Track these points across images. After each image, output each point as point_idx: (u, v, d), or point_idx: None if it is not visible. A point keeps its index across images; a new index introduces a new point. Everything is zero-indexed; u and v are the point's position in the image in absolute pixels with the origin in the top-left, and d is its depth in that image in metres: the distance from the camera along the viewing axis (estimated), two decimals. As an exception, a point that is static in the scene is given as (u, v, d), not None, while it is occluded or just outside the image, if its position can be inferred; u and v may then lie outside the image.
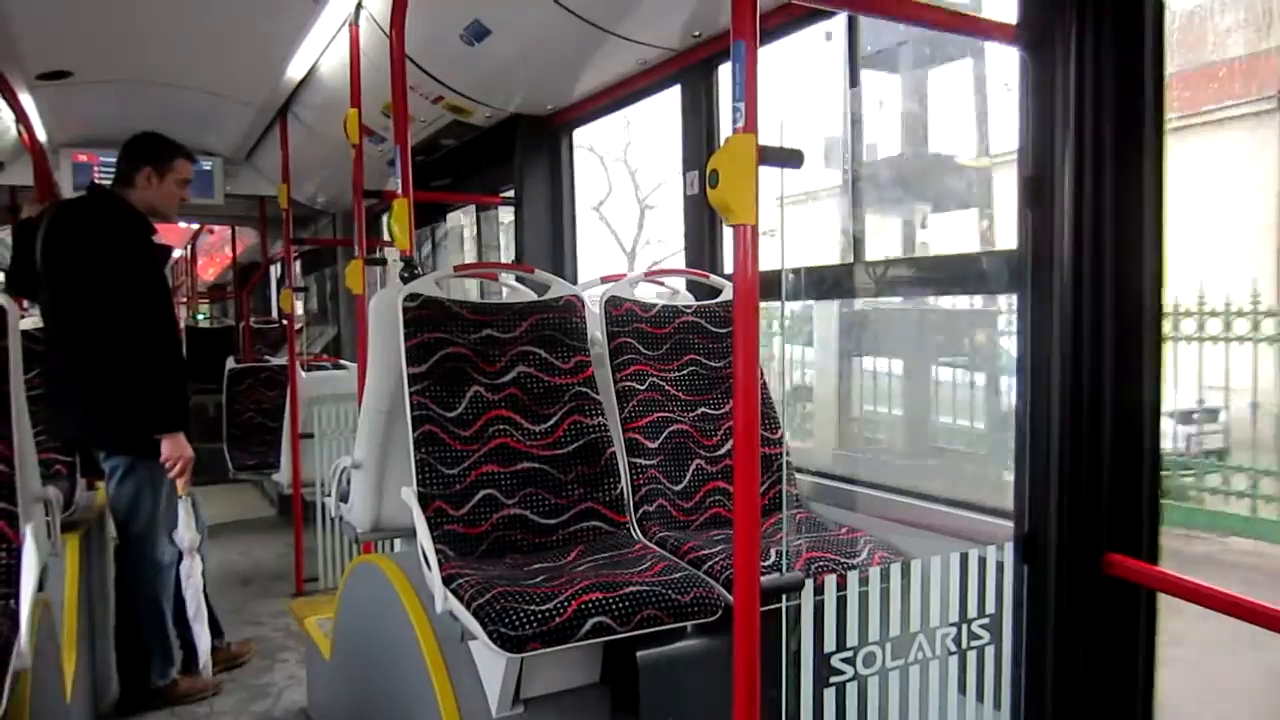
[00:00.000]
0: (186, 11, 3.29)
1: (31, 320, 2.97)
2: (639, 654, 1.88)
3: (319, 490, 3.95)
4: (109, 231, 2.85)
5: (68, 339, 2.86)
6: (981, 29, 1.64)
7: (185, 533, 2.85)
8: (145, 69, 3.87)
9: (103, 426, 2.88)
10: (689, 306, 2.57)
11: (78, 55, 3.64)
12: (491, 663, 1.89)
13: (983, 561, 1.57)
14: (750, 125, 1.31)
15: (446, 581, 1.89)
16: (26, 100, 3.91)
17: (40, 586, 1.83)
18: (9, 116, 4.04)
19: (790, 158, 1.36)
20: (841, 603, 1.44)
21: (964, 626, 1.55)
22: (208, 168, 5.43)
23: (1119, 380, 1.54)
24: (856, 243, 2.35)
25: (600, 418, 2.30)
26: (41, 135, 4.32)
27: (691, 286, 2.78)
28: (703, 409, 2.46)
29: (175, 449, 2.85)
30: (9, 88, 3.52)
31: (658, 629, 1.85)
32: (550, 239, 3.98)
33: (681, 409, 2.44)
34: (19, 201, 5.21)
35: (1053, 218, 1.55)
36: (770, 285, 1.36)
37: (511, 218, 4.29)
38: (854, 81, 2.41)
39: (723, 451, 2.43)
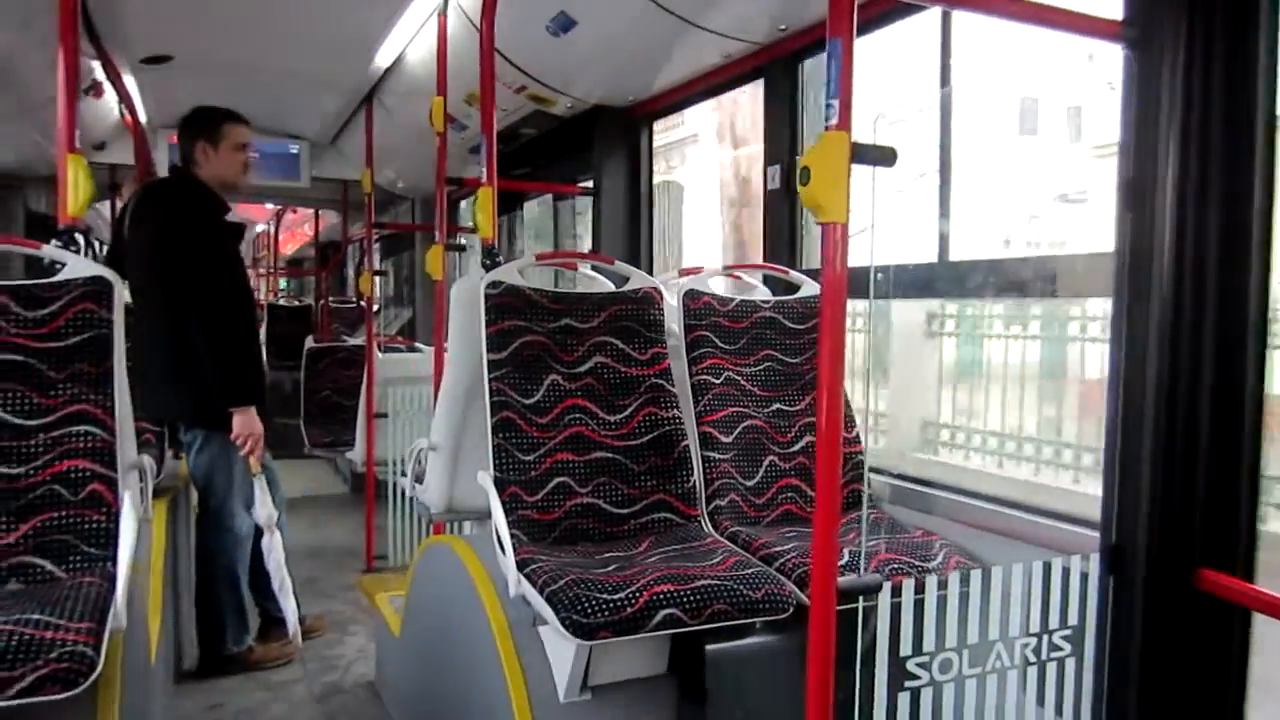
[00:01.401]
0: (283, -1, 3.38)
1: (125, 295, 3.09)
2: (708, 648, 1.88)
3: (391, 469, 4.04)
4: (180, 210, 2.93)
5: (147, 315, 2.96)
6: (1085, 26, 1.59)
7: (261, 510, 2.91)
8: (241, 54, 3.99)
9: (178, 400, 2.97)
10: (767, 302, 2.56)
11: (179, 40, 3.76)
12: (561, 648, 1.92)
13: (1066, 572, 1.54)
14: (844, 123, 1.30)
15: (520, 566, 1.92)
16: (130, 82, 4.06)
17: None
18: (113, 98, 4.20)
19: (883, 156, 1.34)
20: (919, 606, 1.43)
21: (1045, 637, 1.52)
22: (294, 151, 5.58)
23: (1218, 390, 1.48)
24: (943, 242, 2.31)
25: (675, 410, 2.30)
26: (142, 117, 4.48)
27: (769, 281, 2.76)
28: (777, 405, 2.45)
29: (245, 425, 2.91)
30: (115, 70, 3.66)
31: (728, 624, 1.85)
32: (627, 230, 4.00)
33: (756, 404, 2.43)
34: (118, 179, 5.42)
35: (1153, 221, 1.50)
36: (856, 283, 1.35)
37: (587, 208, 4.33)
38: (945, 80, 2.36)
39: (796, 448, 2.41)
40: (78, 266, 1.94)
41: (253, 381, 3.03)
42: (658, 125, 3.85)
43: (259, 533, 2.97)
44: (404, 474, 2.65)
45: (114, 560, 1.77)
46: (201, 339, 2.85)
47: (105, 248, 3.34)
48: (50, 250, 1.96)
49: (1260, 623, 1.47)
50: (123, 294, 1.97)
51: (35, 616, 1.49)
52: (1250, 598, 1.44)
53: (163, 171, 4.73)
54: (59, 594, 1.62)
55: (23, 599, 1.61)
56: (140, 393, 2.94)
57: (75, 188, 1.98)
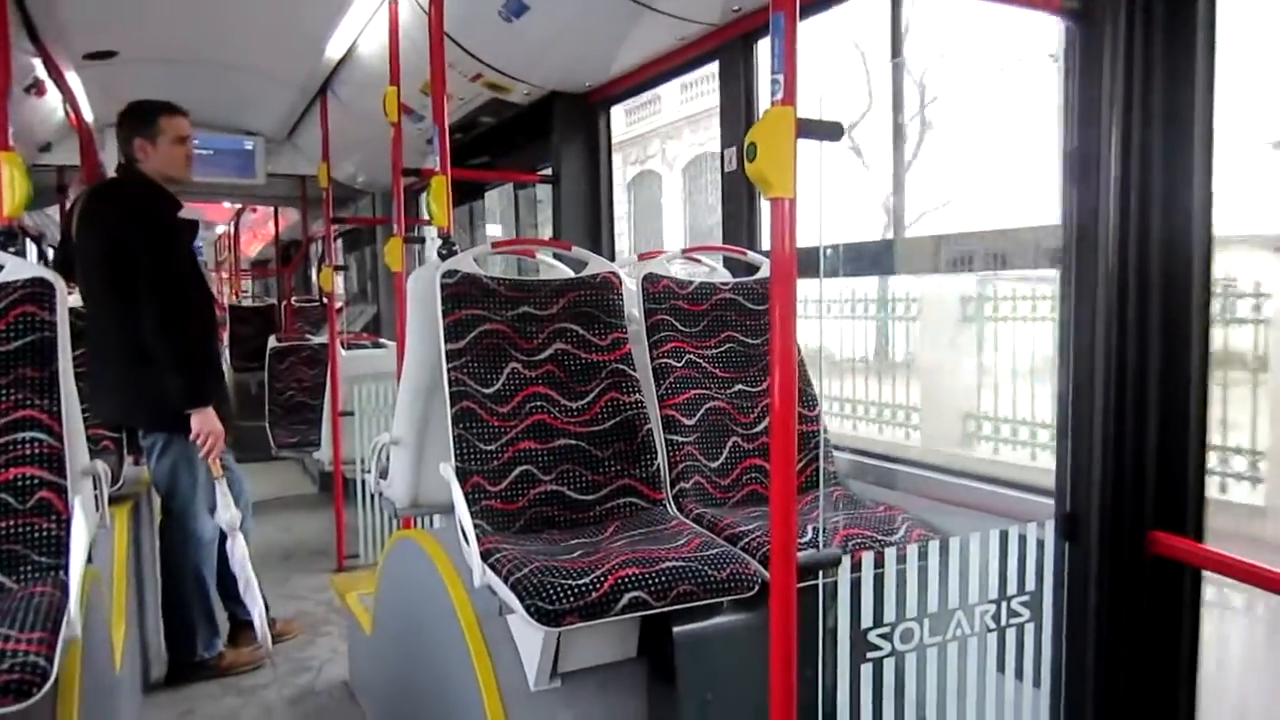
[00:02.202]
0: (228, -11, 3.32)
1: (76, 299, 3.02)
2: (675, 629, 1.89)
3: (359, 468, 4.01)
4: (128, 210, 2.88)
5: (99, 318, 2.91)
6: (1026, 0, 1.60)
7: (224, 512, 2.88)
8: (189, 48, 3.92)
9: (135, 404, 2.92)
10: (726, 283, 2.56)
11: (123, 34, 3.69)
12: (529, 637, 1.91)
13: (1023, 539, 1.56)
14: (789, 98, 1.30)
15: (484, 556, 1.91)
16: (73, 80, 3.97)
17: (89, 559, 1.87)
18: (56, 97, 4.11)
19: (829, 131, 1.34)
20: (879, 579, 1.44)
21: (1003, 604, 1.54)
22: (249, 147, 5.50)
23: (1165, 358, 1.51)
24: (896, 218, 2.32)
25: (637, 395, 2.30)
26: (88, 115, 4.39)
27: (729, 263, 2.76)
28: (740, 386, 2.46)
29: (203, 424, 2.87)
30: (56, 67, 3.59)
31: (694, 604, 1.86)
32: (587, 216, 3.98)
33: (718, 386, 2.43)
34: (65, 181, 5.31)
35: (1098, 193, 1.52)
36: (807, 262, 1.35)
37: (548, 197, 4.30)
38: (896, 52, 2.37)
39: (760, 429, 2.42)
40: (17, 268, 1.89)
41: (211, 381, 2.99)
42: (635, 114, 3.79)
43: (224, 536, 2.94)
44: (369, 471, 2.63)
45: (66, 568, 1.74)
46: (156, 340, 2.80)
47: (52, 252, 3.27)
48: None
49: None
50: (67, 296, 1.92)
51: None
52: (1201, 558, 1.47)
53: (111, 172, 4.65)
54: (10, 605, 1.59)
55: None
56: (95, 398, 2.90)
57: (11, 187, 1.93)
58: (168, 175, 3.03)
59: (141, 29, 3.66)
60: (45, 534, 1.76)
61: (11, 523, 1.75)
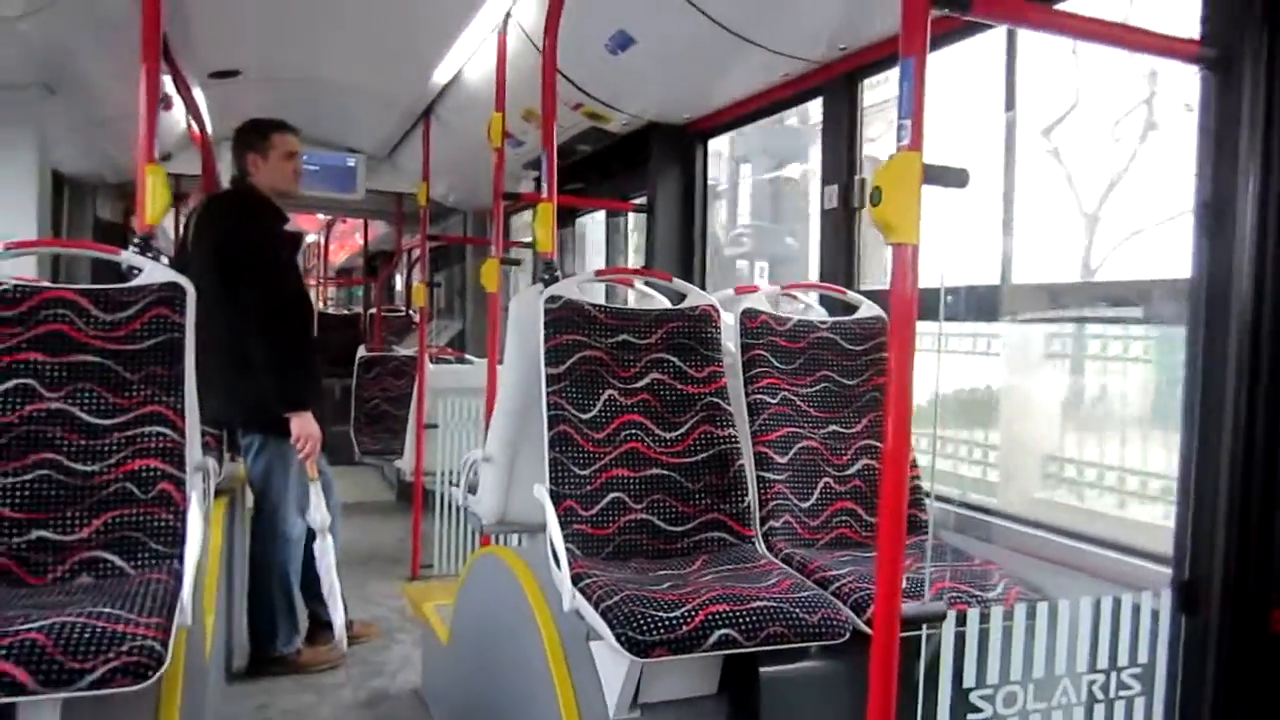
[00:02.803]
0: (348, 15, 3.45)
1: None
2: (762, 670, 1.87)
3: (439, 479, 4.07)
4: (239, 221, 3.01)
5: (207, 321, 3.01)
6: (1160, 46, 1.57)
7: (316, 513, 2.94)
8: (306, 69, 4.08)
9: (236, 405, 3.02)
10: (824, 322, 2.54)
11: (248, 55, 3.87)
12: (613, 665, 1.90)
13: (1136, 608, 1.50)
14: (916, 143, 1.29)
15: (575, 580, 1.91)
16: (198, 96, 4.17)
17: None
18: (181, 111, 4.32)
19: (955, 178, 1.33)
20: (983, 636, 1.40)
21: (1113, 674, 1.48)
22: (351, 164, 5.69)
23: (1299, 422, 1.44)
24: (1006, 264, 2.27)
25: (731, 429, 2.29)
26: (209, 129, 4.60)
27: (825, 302, 2.74)
28: (834, 426, 2.43)
29: (302, 428, 2.96)
30: (185, 84, 3.77)
31: (783, 647, 1.83)
32: (680, 247, 4.00)
33: (812, 425, 2.41)
34: (183, 190, 5.56)
35: (1232, 247, 1.47)
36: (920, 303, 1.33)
37: (636, 226, 4.34)
38: (1010, 104, 2.33)
39: (852, 471, 2.39)
40: (154, 272, 1.99)
41: (308, 386, 3.08)
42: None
43: (311, 536, 3.01)
44: (454, 484, 2.67)
45: (181, 558, 1.80)
46: (259, 346, 2.91)
47: (166, 259, 3.42)
48: (129, 256, 2.01)
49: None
50: (194, 301, 2.00)
51: (107, 610, 1.52)
52: (1332, 639, 1.39)
53: (226, 183, 4.86)
54: (129, 589, 1.65)
55: (94, 593, 1.65)
56: (201, 397, 3.01)
57: (154, 197, 2.03)
58: (276, 188, 3.17)
59: (265, 50, 3.83)
60: (164, 524, 1.82)
61: (134, 511, 1.82)
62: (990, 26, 2.18)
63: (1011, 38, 2.41)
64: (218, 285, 2.93)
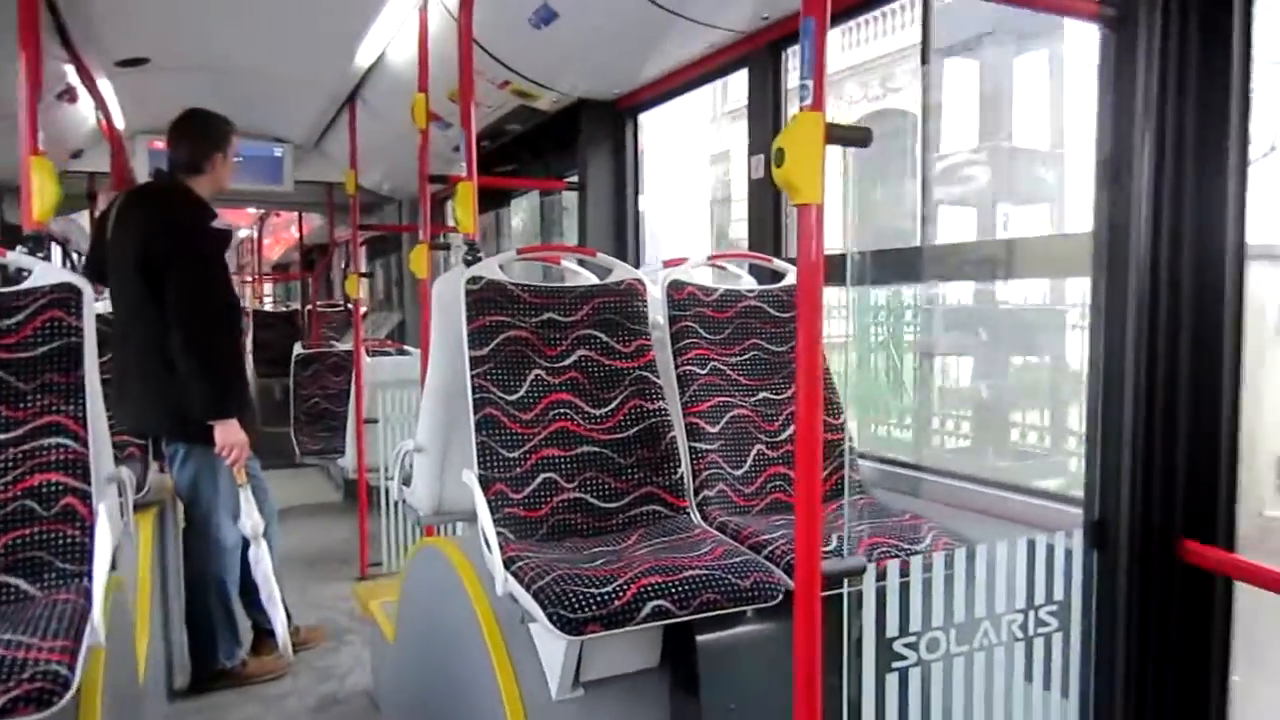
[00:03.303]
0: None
1: (105, 304, 3.04)
2: (699, 638, 1.88)
3: (383, 475, 4.01)
4: (168, 217, 2.90)
5: (127, 324, 2.92)
6: (1063, 5, 1.59)
7: (247, 520, 2.87)
8: (221, 57, 3.95)
9: (158, 412, 2.93)
10: (751, 291, 2.56)
11: (156, 42, 3.72)
12: (552, 645, 1.91)
13: (1051, 548, 1.54)
14: (818, 103, 1.29)
15: (507, 564, 1.91)
16: (105, 87, 4.02)
17: (113, 566, 1.86)
18: (88, 104, 4.16)
19: (857, 136, 1.34)
20: (905, 588, 1.43)
21: (1031, 613, 1.52)
22: (278, 155, 5.56)
23: (1196, 366, 1.49)
24: (924, 225, 2.31)
25: (661, 402, 2.30)
26: (119, 123, 4.44)
27: (754, 271, 2.75)
28: (764, 394, 2.45)
29: (227, 436, 2.86)
30: (88, 74, 3.63)
31: (717, 613, 1.85)
32: (613, 224, 3.99)
33: (743, 393, 2.42)
34: (96, 187, 5.38)
35: (1130, 199, 1.51)
36: (833, 269, 1.34)
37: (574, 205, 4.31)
38: (925, 59, 2.36)
39: (784, 436, 2.41)
40: (45, 274, 1.88)
41: (234, 393, 2.98)
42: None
43: (247, 544, 2.94)
44: (392, 478, 2.63)
45: (90, 576, 1.72)
46: (185, 350, 2.80)
47: (84, 258, 3.30)
48: (14, 257, 1.90)
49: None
50: (93, 302, 1.91)
51: (8, 637, 1.45)
52: (1232, 567, 1.45)
53: (142, 178, 4.71)
54: (34, 613, 1.58)
55: None
56: (120, 405, 2.91)
57: (40, 192, 1.93)
58: (222, 189, 3.10)
59: (173, 36, 3.69)
60: (69, 541, 1.74)
61: (36, 529, 1.73)
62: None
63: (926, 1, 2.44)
64: (141, 286, 2.84)
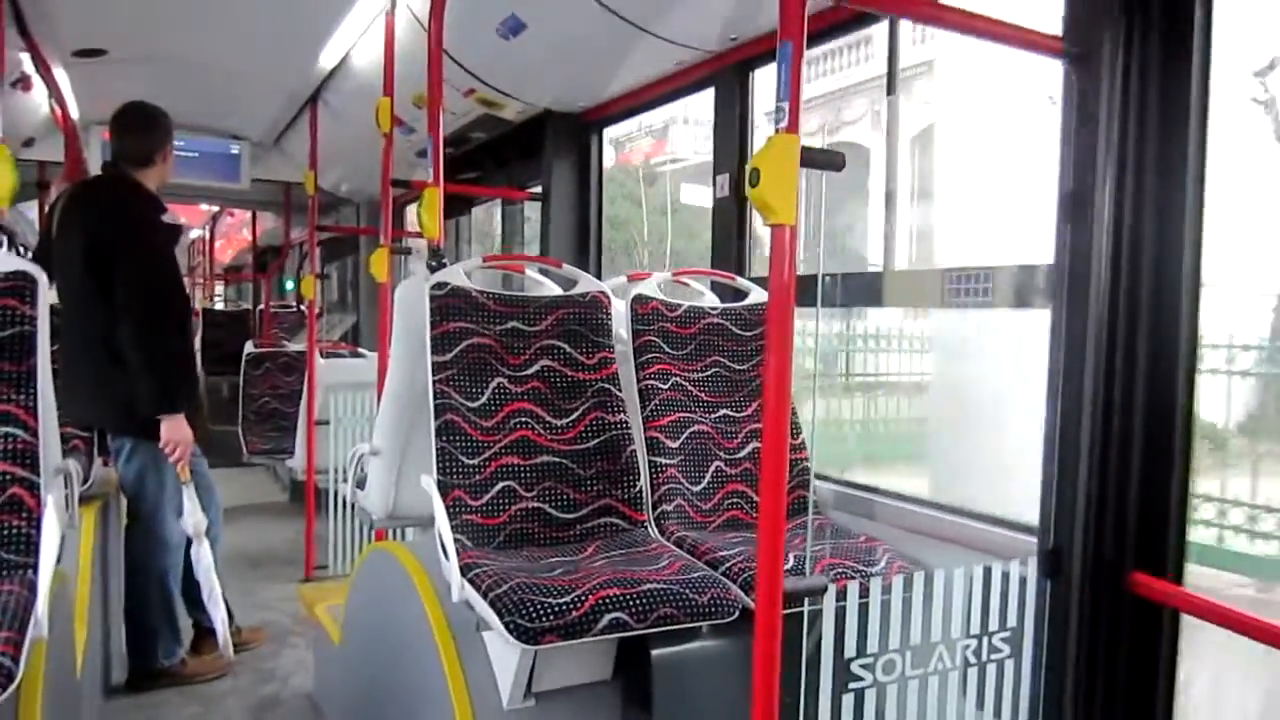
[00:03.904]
0: (224, -7, 3.31)
1: (53, 295, 2.98)
2: (654, 652, 1.88)
3: (332, 477, 3.96)
4: (118, 211, 2.85)
5: (76, 317, 2.86)
6: (1027, 40, 1.63)
7: (190, 518, 2.84)
8: (180, 50, 3.89)
9: (106, 407, 2.88)
10: (715, 308, 2.57)
11: (114, 33, 3.65)
12: (505, 654, 1.89)
13: (1006, 576, 1.57)
14: (793, 126, 1.31)
15: (464, 571, 1.89)
16: (61, 76, 3.93)
17: (58, 559, 1.83)
18: (42, 92, 4.06)
19: (831, 161, 1.36)
20: (863, 610, 1.44)
21: (984, 639, 1.55)
22: (235, 152, 5.46)
23: (1151, 399, 1.53)
24: (887, 250, 2.34)
25: (622, 415, 2.29)
26: (74, 112, 4.34)
27: (717, 288, 2.77)
28: (724, 410, 2.46)
29: (173, 432, 2.83)
30: (44, 63, 3.55)
31: (673, 628, 1.85)
32: (576, 235, 3.99)
33: (703, 410, 2.43)
34: (47, 177, 5.24)
35: (1091, 233, 1.54)
36: (802, 290, 1.36)
37: (535, 214, 4.31)
38: (891, 89, 2.40)
39: (743, 454, 2.42)
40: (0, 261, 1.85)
41: (183, 388, 2.94)
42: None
43: (190, 541, 2.89)
44: (345, 480, 2.59)
45: (35, 568, 1.69)
46: (134, 344, 2.76)
47: (30, 252, 3.22)
48: None
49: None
50: (48, 291, 1.88)
51: None
52: (1181, 600, 1.49)
53: (95, 170, 4.60)
54: None
55: None
56: (66, 397, 2.84)
57: None
58: (166, 181, 3.06)
59: (132, 28, 3.63)
60: (15, 531, 1.71)
61: None
62: (874, 17, 2.24)
63: (893, 25, 2.48)
64: (88, 278, 2.78)
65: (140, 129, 3.01)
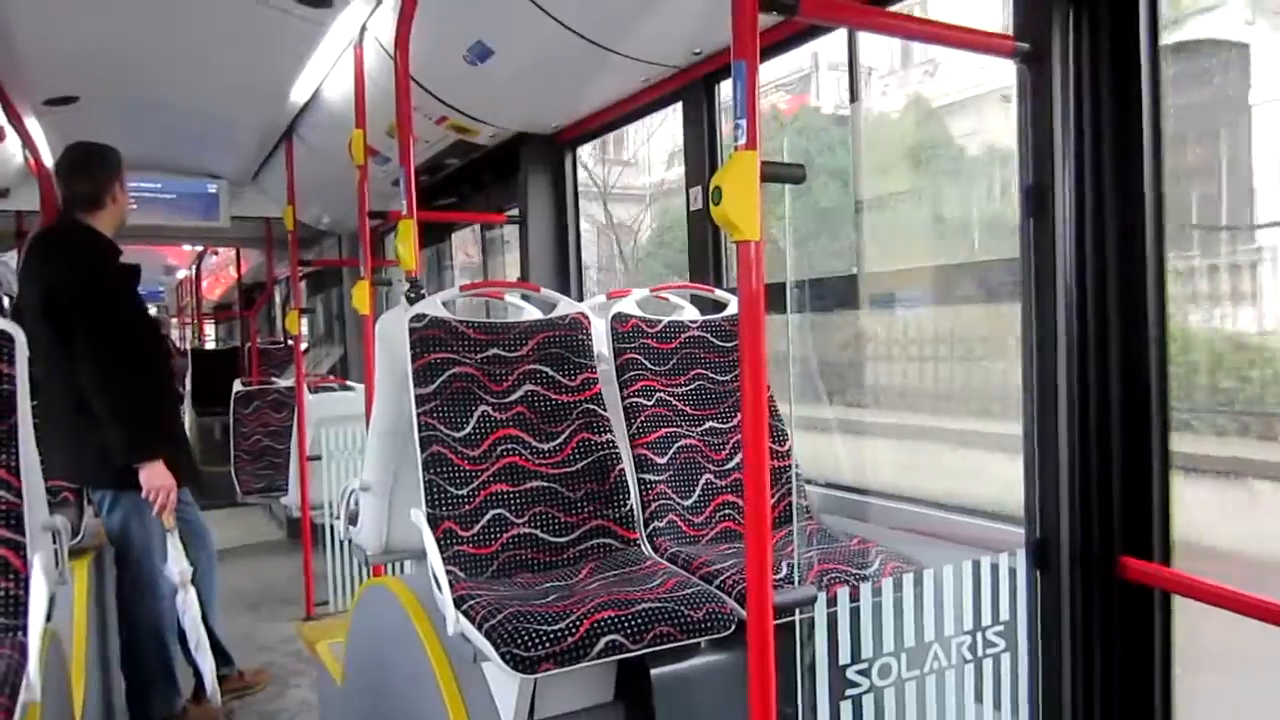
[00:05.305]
0: (192, 35, 3.31)
1: None
2: (653, 671, 1.88)
3: (328, 513, 3.94)
4: (65, 261, 2.81)
5: (45, 371, 2.81)
6: (979, 43, 1.65)
7: (174, 566, 2.79)
8: (151, 94, 3.90)
9: (81, 458, 2.83)
10: (694, 321, 2.58)
11: (84, 80, 3.66)
12: (505, 684, 1.89)
13: (995, 569, 1.57)
14: (752, 143, 1.32)
15: (458, 603, 1.89)
16: (33, 125, 3.93)
17: (48, 617, 1.82)
18: (15, 142, 4.06)
19: (792, 174, 1.37)
20: (855, 614, 1.45)
21: (978, 634, 1.55)
22: (212, 190, 5.48)
23: (1126, 384, 1.54)
24: (858, 254, 2.36)
25: (608, 434, 2.30)
26: (48, 160, 4.34)
27: (696, 301, 2.78)
28: (710, 423, 2.47)
29: (151, 479, 2.78)
30: (15, 112, 3.55)
31: (671, 646, 1.85)
32: (555, 257, 4.00)
33: (689, 423, 2.44)
34: (25, 227, 5.24)
35: (1054, 227, 1.56)
36: (773, 297, 1.37)
37: (515, 237, 4.32)
38: (854, 96, 2.42)
39: (731, 465, 2.43)
40: None
41: (156, 434, 2.87)
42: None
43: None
44: (339, 516, 2.59)
45: (24, 629, 1.68)
46: (98, 393, 2.71)
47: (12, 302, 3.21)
48: None
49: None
50: (26, 347, 1.87)
51: None
52: (1170, 581, 1.50)
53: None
54: None
55: None
56: (48, 452, 2.79)
57: None
58: (123, 219, 3.00)
59: (102, 74, 3.63)
60: (2, 594, 1.70)
61: None
62: (826, 30, 2.26)
63: (852, 36, 2.51)
64: (50, 331, 2.73)
65: (83, 171, 2.93)
